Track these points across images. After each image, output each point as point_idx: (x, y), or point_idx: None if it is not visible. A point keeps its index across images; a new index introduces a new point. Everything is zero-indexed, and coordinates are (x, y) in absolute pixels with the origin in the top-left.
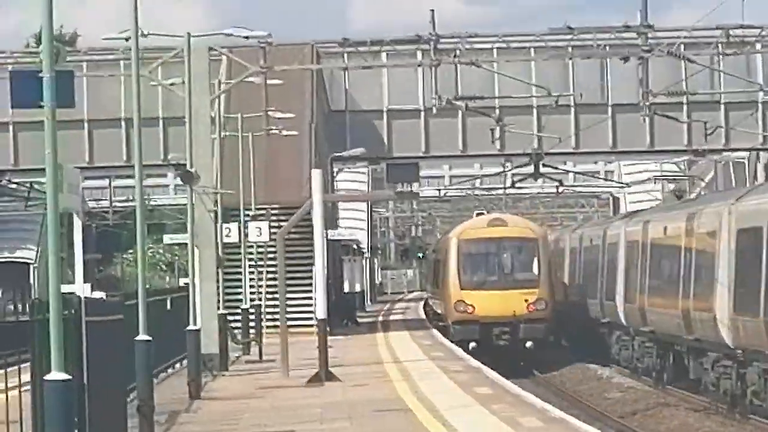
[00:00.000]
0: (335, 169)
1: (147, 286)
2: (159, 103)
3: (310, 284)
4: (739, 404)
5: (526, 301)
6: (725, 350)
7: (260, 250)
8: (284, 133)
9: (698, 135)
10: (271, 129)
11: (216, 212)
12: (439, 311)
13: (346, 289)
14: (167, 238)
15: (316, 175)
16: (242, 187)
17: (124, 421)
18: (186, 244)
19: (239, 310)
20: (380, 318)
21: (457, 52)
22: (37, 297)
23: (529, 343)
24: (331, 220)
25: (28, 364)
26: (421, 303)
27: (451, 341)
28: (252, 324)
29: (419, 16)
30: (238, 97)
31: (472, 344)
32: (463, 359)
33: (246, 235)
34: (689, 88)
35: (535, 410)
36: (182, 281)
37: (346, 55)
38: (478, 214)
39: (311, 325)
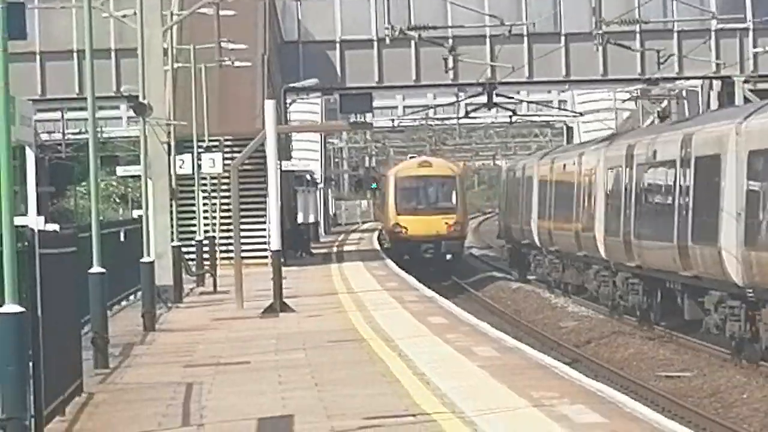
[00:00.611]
0: (288, 100)
1: (100, 219)
2: (111, 35)
3: (264, 216)
4: (747, 349)
5: (446, 224)
6: (733, 289)
7: (213, 181)
8: (237, 64)
9: (651, 63)
10: (224, 60)
11: (169, 144)
12: (383, 233)
13: (300, 220)
14: (120, 170)
15: (270, 106)
16: (195, 119)
17: (78, 354)
18: (139, 176)
19: (193, 242)
20: (334, 249)
21: None
22: None
23: (449, 256)
24: (284, 151)
25: None
26: (375, 234)
27: (390, 257)
28: (206, 256)
29: None
30: (190, 29)
31: (406, 257)
32: (417, 289)
33: (199, 167)
34: (642, 16)
35: (490, 340)
36: (136, 213)
37: None
38: (411, 157)
39: (265, 257)
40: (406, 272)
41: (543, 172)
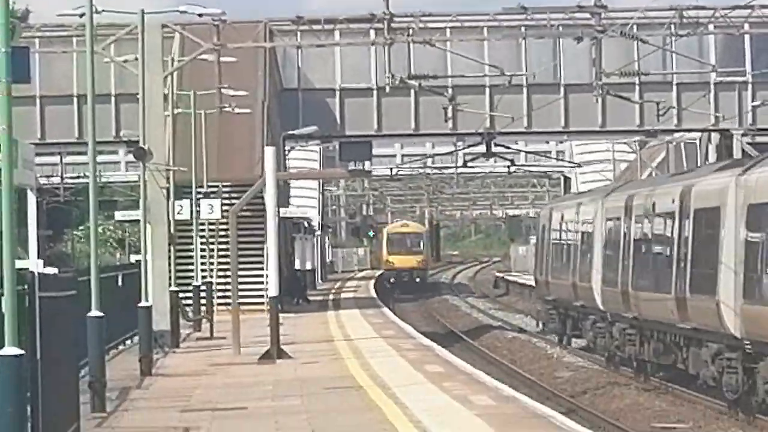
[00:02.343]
0: (287, 147)
1: (98, 263)
2: (112, 79)
3: (262, 262)
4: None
5: (416, 261)
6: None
7: (212, 227)
8: (237, 110)
9: (650, 115)
10: (224, 106)
11: (168, 189)
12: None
13: (297, 266)
14: (119, 215)
15: (269, 152)
16: (194, 165)
17: (76, 397)
18: (137, 220)
19: (191, 287)
20: (331, 296)
21: (411, 30)
22: None
23: (417, 279)
24: (282, 197)
25: None
26: (372, 281)
27: (384, 279)
28: (203, 301)
29: None
30: (190, 75)
31: (392, 280)
32: (414, 338)
33: (198, 213)
34: (642, 68)
35: (487, 389)
36: (133, 258)
37: (299, 33)
38: (397, 221)
39: (262, 303)
40: (400, 319)
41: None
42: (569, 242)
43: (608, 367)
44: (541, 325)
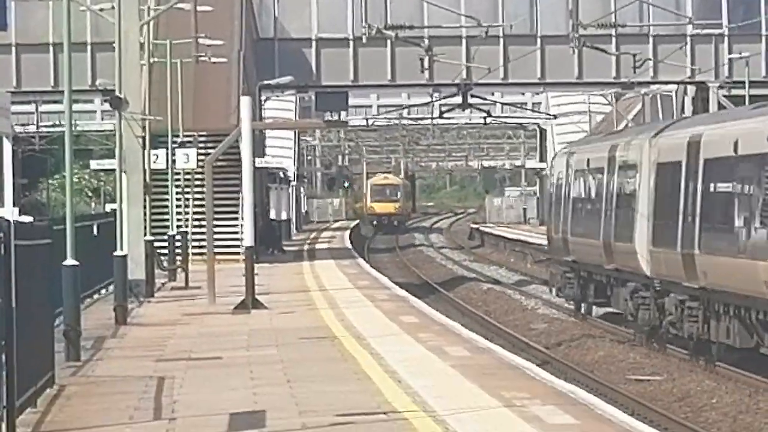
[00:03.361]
0: (263, 97)
1: (73, 212)
2: (88, 28)
3: (237, 212)
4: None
5: (394, 207)
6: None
7: (187, 176)
8: (213, 60)
9: (626, 67)
10: (200, 56)
11: (144, 138)
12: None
13: (273, 217)
14: (94, 164)
15: (245, 102)
16: (170, 114)
17: (51, 345)
18: (113, 170)
19: (166, 237)
20: (306, 246)
21: None
22: None
23: (396, 222)
24: (258, 148)
25: None
26: (347, 232)
27: (365, 224)
28: (178, 251)
29: None
30: (167, 24)
31: (374, 222)
32: (389, 288)
33: (173, 162)
34: (618, 20)
35: (462, 340)
36: (108, 207)
37: None
38: (380, 173)
39: (237, 253)
40: (375, 269)
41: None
42: (598, 193)
43: (648, 344)
44: (554, 291)
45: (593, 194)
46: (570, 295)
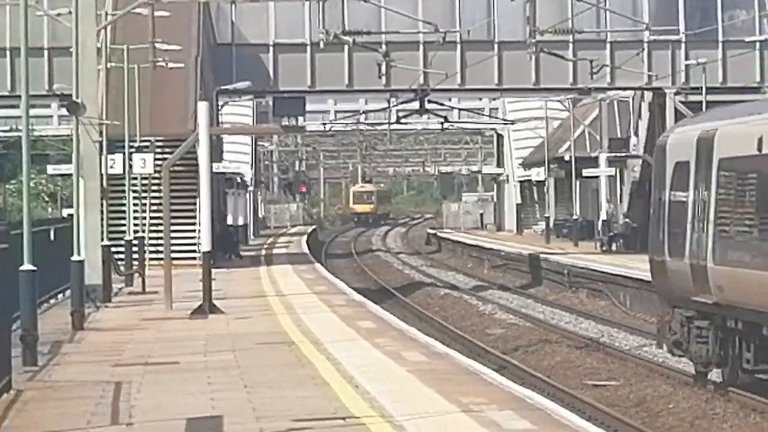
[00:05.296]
0: (220, 103)
1: (30, 216)
2: (45, 33)
3: (194, 217)
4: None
5: (370, 209)
6: None
7: (144, 182)
8: (170, 65)
9: (584, 73)
10: (157, 61)
11: (101, 143)
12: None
13: (230, 222)
14: (51, 169)
15: (203, 107)
16: (127, 119)
17: (7, 350)
18: (69, 174)
19: (123, 242)
20: (263, 252)
21: None
22: None
23: (371, 220)
24: (216, 153)
25: None
26: (304, 237)
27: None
28: (135, 256)
29: None
30: (124, 29)
31: (355, 220)
32: (346, 294)
33: (130, 167)
34: (576, 26)
35: (419, 345)
36: (66, 212)
37: None
38: (365, 181)
39: (194, 258)
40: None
41: None
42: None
43: None
44: (666, 346)
45: (753, 195)
46: (700, 355)
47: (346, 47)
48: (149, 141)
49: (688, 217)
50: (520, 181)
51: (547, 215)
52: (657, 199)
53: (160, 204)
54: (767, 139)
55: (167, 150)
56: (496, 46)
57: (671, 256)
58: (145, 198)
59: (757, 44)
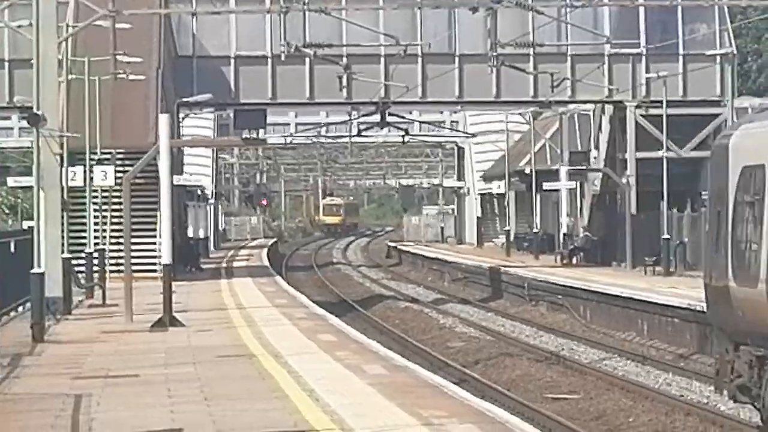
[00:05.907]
0: (181, 115)
1: None
2: (5, 45)
3: (155, 229)
4: None
5: (339, 220)
6: None
7: (105, 194)
8: (131, 77)
9: (544, 87)
10: (118, 73)
11: (61, 155)
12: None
13: (191, 234)
14: (11, 181)
15: (163, 120)
16: (88, 131)
17: None
18: (30, 187)
19: (83, 254)
20: (224, 264)
21: None
22: None
23: (339, 230)
24: (176, 165)
25: None
26: (264, 250)
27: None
28: (96, 268)
29: None
30: (85, 41)
31: (324, 231)
32: (306, 306)
33: (91, 179)
34: (536, 39)
35: (379, 358)
36: (26, 224)
37: (194, 0)
38: (328, 195)
39: (155, 271)
40: (293, 287)
41: None
42: None
43: None
44: (727, 391)
45: None
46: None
47: (307, 60)
48: (110, 153)
49: (763, 233)
50: (481, 194)
51: (507, 228)
52: (716, 212)
53: (121, 216)
54: None
55: (128, 162)
56: (457, 59)
57: (737, 281)
58: (105, 210)
59: (718, 58)
